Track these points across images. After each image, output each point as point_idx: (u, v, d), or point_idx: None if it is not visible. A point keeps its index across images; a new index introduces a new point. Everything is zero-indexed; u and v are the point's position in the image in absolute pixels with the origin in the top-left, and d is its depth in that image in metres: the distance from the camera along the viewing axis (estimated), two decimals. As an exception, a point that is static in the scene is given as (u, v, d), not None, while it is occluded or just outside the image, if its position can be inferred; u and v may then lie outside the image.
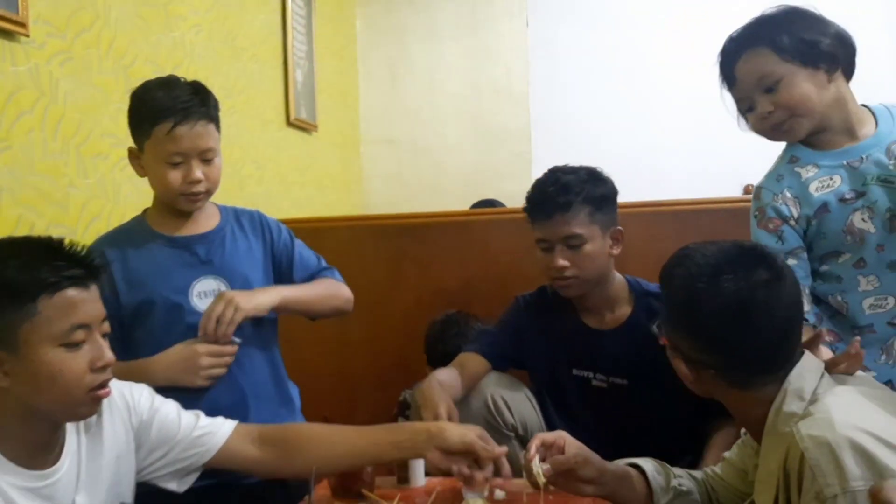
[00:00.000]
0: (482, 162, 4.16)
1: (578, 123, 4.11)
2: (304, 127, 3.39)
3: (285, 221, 1.85)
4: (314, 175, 3.55)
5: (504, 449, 1.38)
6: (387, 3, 4.31)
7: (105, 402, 1.23)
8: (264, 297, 1.59)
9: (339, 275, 1.80)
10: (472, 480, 1.37)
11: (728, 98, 1.53)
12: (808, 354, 1.21)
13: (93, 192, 1.93)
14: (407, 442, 1.38)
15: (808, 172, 1.47)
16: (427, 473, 1.60)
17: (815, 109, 1.44)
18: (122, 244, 1.61)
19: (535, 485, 1.34)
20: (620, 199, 1.86)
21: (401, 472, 1.59)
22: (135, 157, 1.61)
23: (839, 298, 1.47)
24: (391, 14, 4.31)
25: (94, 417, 1.24)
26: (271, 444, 1.39)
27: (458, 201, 3.62)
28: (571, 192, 1.75)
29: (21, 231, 1.66)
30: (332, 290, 1.75)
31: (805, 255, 1.48)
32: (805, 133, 1.47)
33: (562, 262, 1.75)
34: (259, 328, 1.66)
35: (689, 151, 3.96)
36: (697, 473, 1.44)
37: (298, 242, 1.78)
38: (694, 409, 1.56)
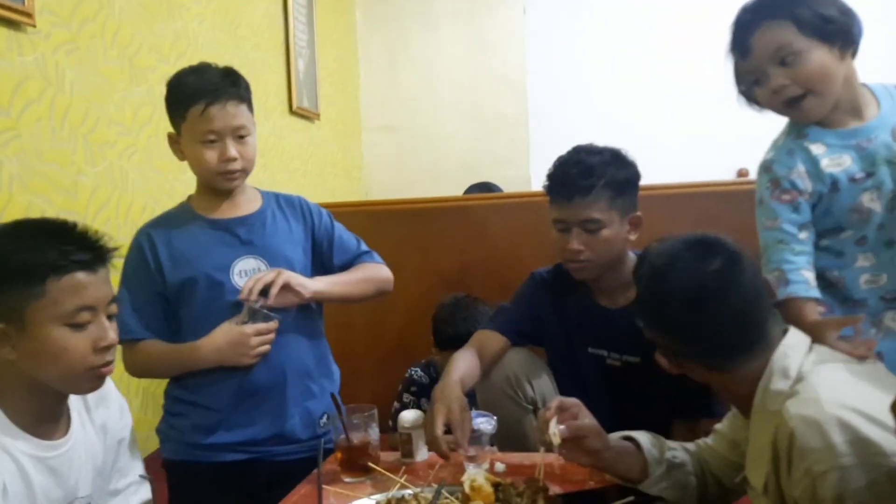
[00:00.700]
0: (480, 148, 4.19)
1: (575, 109, 4.14)
2: (306, 115, 3.42)
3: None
4: (316, 162, 3.58)
5: None
6: (386, -8, 4.33)
7: (113, 395, 1.30)
8: (307, 280, 1.67)
9: (378, 256, 1.84)
10: (475, 458, 1.41)
11: (725, 73, 1.52)
12: (792, 331, 1.23)
13: (101, 179, 1.97)
14: None
15: (817, 149, 1.47)
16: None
17: (832, 87, 1.43)
18: (167, 226, 1.67)
19: (546, 444, 1.35)
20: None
21: (405, 447, 1.64)
22: (174, 141, 1.67)
23: (836, 273, 1.49)
24: (390, 3, 4.33)
25: (98, 398, 1.30)
26: None
27: (457, 187, 3.65)
28: (594, 175, 1.69)
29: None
30: (369, 275, 1.80)
31: (814, 229, 1.49)
32: (821, 115, 1.46)
33: (577, 246, 1.72)
34: (301, 312, 1.72)
35: (684, 136, 4.00)
36: (690, 445, 1.48)
37: (338, 226, 1.83)
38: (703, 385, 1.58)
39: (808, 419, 1.07)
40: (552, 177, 1.77)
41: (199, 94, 1.59)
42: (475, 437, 1.51)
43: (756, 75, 1.47)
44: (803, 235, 1.46)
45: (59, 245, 1.15)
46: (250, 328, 1.60)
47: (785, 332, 1.23)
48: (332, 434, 1.62)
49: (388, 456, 1.63)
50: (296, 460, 1.67)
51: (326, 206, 1.86)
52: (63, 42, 1.86)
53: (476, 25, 4.27)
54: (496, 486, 1.33)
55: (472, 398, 1.74)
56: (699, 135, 3.95)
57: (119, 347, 1.26)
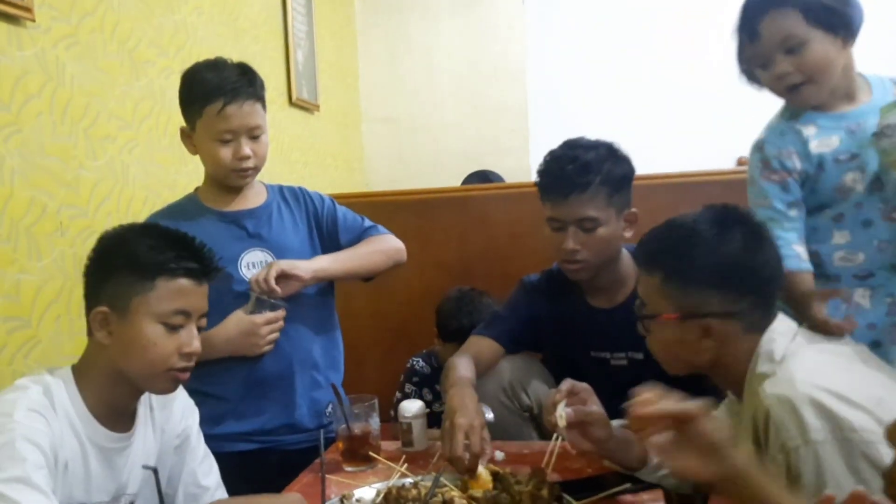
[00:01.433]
0: (480, 138, 4.18)
1: (575, 99, 4.13)
2: (305, 107, 3.42)
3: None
4: (316, 154, 3.59)
5: None
6: (384, -18, 4.32)
7: (179, 398, 1.37)
8: (302, 262, 1.68)
9: (383, 229, 1.85)
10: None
11: (726, 61, 1.55)
12: (780, 317, 1.28)
13: (102, 173, 1.98)
14: None
15: (808, 130, 1.52)
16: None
17: (832, 77, 1.49)
18: (175, 217, 1.68)
19: (552, 425, 1.35)
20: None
21: (405, 436, 1.66)
22: (186, 136, 1.68)
23: (812, 248, 1.54)
24: (389, -8, 4.32)
25: (164, 401, 1.36)
26: None
27: (457, 177, 3.65)
28: (591, 171, 1.63)
29: (34, 212, 1.72)
30: (376, 246, 1.80)
31: (803, 207, 1.54)
32: (818, 101, 1.52)
33: (573, 246, 1.66)
34: (308, 298, 1.73)
35: (684, 125, 3.98)
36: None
37: (342, 208, 1.84)
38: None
39: (781, 398, 1.12)
40: (545, 173, 1.70)
41: (217, 93, 1.60)
42: None
43: (762, 60, 1.52)
44: (793, 213, 1.51)
45: (176, 250, 1.26)
46: (260, 318, 1.62)
47: (774, 317, 1.27)
48: (335, 424, 1.64)
49: (390, 445, 1.65)
50: (304, 449, 1.69)
51: (327, 197, 1.87)
52: (63, 36, 1.87)
53: (476, 15, 4.25)
54: (495, 474, 1.34)
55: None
56: (699, 123, 3.93)
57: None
